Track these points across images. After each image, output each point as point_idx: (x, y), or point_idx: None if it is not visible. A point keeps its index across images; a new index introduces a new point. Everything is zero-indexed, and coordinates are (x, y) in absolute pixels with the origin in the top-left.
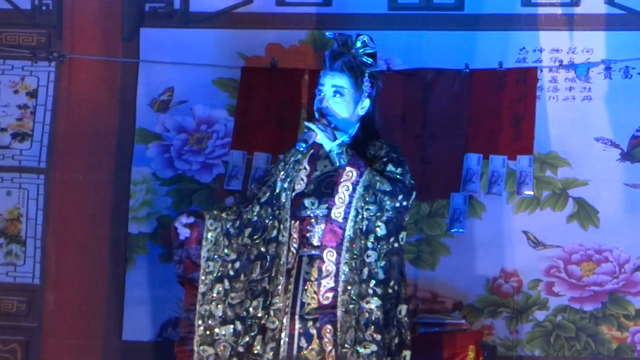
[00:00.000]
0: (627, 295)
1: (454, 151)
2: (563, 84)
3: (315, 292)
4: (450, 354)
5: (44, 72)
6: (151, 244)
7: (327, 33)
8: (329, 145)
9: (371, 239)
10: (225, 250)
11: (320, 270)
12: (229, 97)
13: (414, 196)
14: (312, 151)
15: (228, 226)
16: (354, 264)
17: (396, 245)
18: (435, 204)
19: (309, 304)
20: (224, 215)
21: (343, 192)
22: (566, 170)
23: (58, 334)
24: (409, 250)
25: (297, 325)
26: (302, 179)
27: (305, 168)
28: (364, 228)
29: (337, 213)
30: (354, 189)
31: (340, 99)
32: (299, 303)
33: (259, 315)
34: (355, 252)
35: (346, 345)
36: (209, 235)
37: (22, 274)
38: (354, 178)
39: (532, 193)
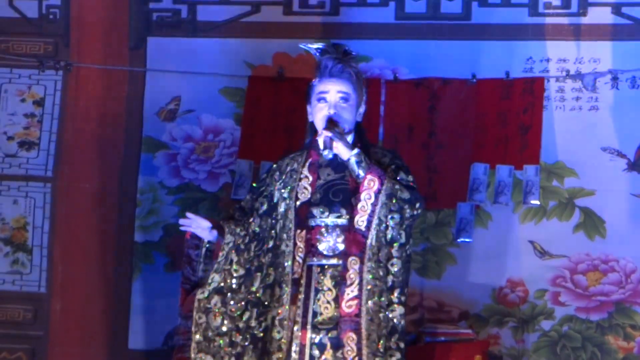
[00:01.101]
0: (634, 305)
1: (461, 160)
2: (570, 93)
3: (328, 302)
4: None
5: (51, 80)
6: (157, 252)
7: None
8: (347, 154)
9: (396, 247)
10: (234, 267)
11: (344, 279)
12: (236, 106)
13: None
14: (310, 160)
15: (239, 242)
16: (380, 273)
17: (409, 252)
18: (441, 213)
19: (321, 313)
20: (238, 230)
21: (365, 201)
22: (573, 180)
23: (64, 342)
24: (415, 259)
25: (309, 335)
26: (305, 188)
27: (307, 177)
28: (389, 237)
29: (360, 222)
30: (377, 198)
31: (347, 104)
32: (310, 313)
33: (252, 325)
34: (381, 261)
35: (379, 354)
36: (224, 250)
37: (28, 282)
38: (375, 187)
39: (538, 203)
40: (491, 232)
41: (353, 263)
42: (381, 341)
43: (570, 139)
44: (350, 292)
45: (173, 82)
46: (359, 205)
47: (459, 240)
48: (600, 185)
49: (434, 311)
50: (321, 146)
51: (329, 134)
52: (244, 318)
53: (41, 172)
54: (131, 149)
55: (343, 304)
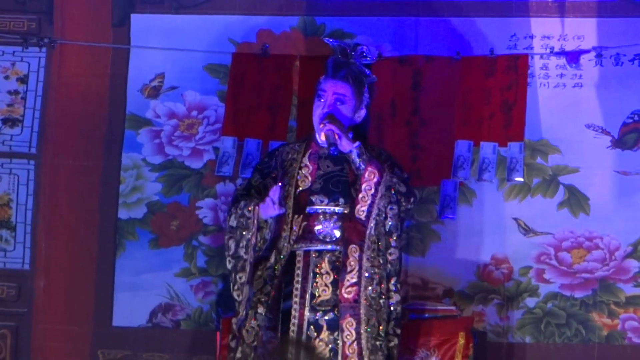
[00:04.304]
0: (618, 282)
1: (445, 138)
2: (554, 70)
3: (326, 285)
4: (441, 340)
5: (34, 57)
6: (141, 229)
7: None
8: (348, 147)
9: (394, 237)
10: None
11: (344, 266)
12: (220, 83)
13: None
14: (310, 150)
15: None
16: (380, 261)
17: (404, 242)
18: (425, 191)
19: (319, 295)
20: None
21: (366, 192)
22: (557, 157)
23: (48, 319)
24: None
25: (307, 315)
26: (305, 177)
27: (307, 166)
28: (388, 227)
29: (361, 211)
30: (376, 189)
31: (342, 106)
32: (308, 294)
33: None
34: (381, 250)
35: (379, 338)
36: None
37: (12, 259)
38: (375, 178)
39: (522, 180)
40: (475, 209)
41: (353, 251)
42: (381, 326)
43: (555, 116)
44: (350, 278)
45: (157, 59)
46: (360, 196)
47: (443, 217)
48: (584, 163)
49: (418, 288)
50: (322, 138)
51: (333, 127)
52: (265, 292)
53: (25, 149)
54: (115, 126)
55: (343, 290)
